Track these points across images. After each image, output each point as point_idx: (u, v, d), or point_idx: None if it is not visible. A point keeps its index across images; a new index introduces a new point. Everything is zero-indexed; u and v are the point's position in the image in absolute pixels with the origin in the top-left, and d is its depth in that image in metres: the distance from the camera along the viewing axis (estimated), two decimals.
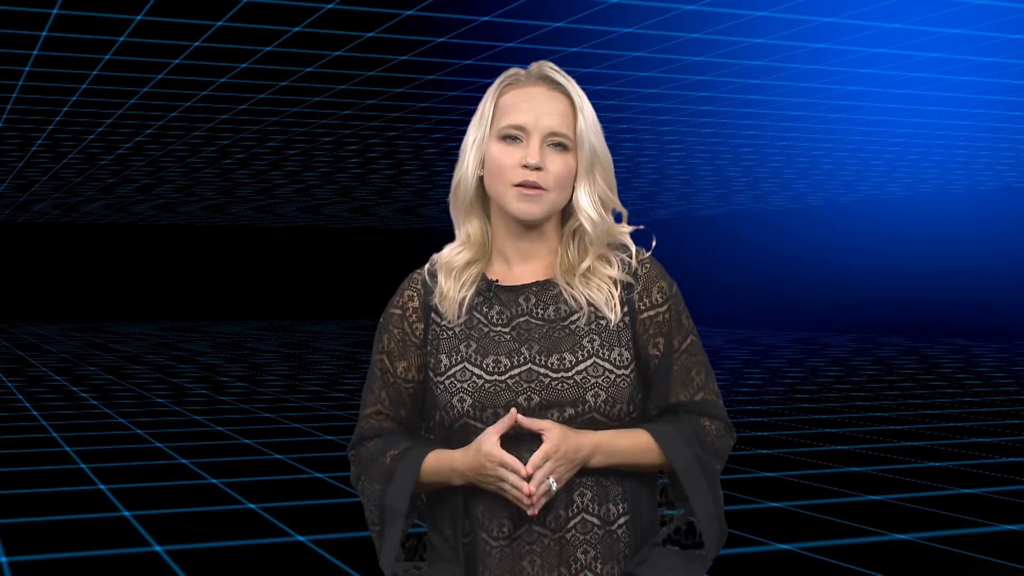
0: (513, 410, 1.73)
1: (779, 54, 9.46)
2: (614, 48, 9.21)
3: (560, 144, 1.81)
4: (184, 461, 7.97)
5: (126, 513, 6.27)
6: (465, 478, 1.78)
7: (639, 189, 21.80)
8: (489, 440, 1.73)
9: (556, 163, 1.80)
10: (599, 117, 1.87)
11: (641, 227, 1.92)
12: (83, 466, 7.74)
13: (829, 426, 9.75)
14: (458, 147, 2.00)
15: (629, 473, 1.83)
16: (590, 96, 1.88)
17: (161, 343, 21.89)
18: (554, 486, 1.72)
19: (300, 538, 5.71)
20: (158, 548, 5.50)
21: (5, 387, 13.10)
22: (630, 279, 1.86)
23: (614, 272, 1.85)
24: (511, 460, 1.71)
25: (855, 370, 15.35)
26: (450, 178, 1.94)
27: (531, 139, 1.79)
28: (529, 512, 1.72)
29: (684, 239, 29.15)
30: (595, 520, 1.81)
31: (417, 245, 34.01)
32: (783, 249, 26.44)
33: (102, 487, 7.00)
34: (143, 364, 16.61)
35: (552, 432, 1.73)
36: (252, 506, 6.48)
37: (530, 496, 1.70)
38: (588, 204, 1.82)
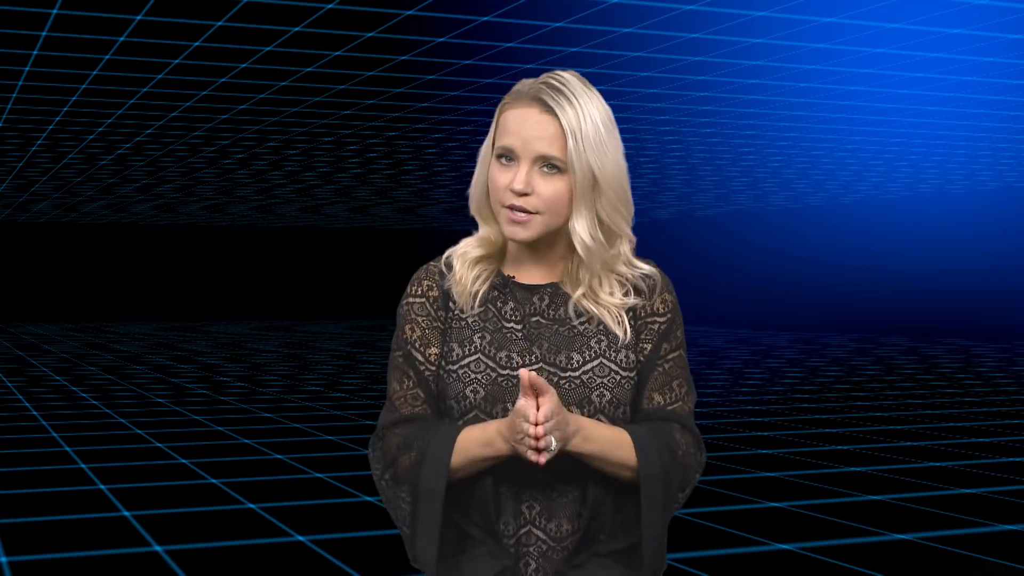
0: (523, 371, 1.68)
1: (779, 54, 9.46)
2: (614, 48, 9.21)
3: (552, 167, 1.79)
4: (184, 461, 7.97)
5: (126, 513, 6.27)
6: (503, 437, 1.74)
7: (639, 189, 21.80)
8: (521, 400, 1.70)
9: (547, 187, 1.78)
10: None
11: (649, 262, 1.90)
12: (83, 466, 7.74)
13: (829, 426, 9.75)
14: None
15: (593, 480, 1.83)
16: None
17: (161, 343, 21.89)
18: (554, 444, 1.68)
19: (300, 538, 5.71)
20: (158, 548, 5.50)
21: (5, 387, 13.10)
22: (636, 300, 1.87)
23: (622, 300, 1.86)
24: (528, 408, 1.68)
25: (855, 370, 15.35)
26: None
27: (521, 163, 1.79)
28: (534, 458, 1.68)
29: (684, 239, 29.15)
30: (549, 534, 1.83)
31: (417, 245, 34.00)
32: (783, 249, 26.44)
33: (102, 487, 7.00)
34: (143, 364, 16.61)
35: (554, 396, 1.71)
36: (252, 506, 6.48)
37: (536, 438, 1.66)
38: (583, 229, 1.80)
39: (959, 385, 13.31)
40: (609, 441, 1.78)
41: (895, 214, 23.53)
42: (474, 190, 1.90)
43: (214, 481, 7.23)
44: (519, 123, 1.79)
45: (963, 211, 22.16)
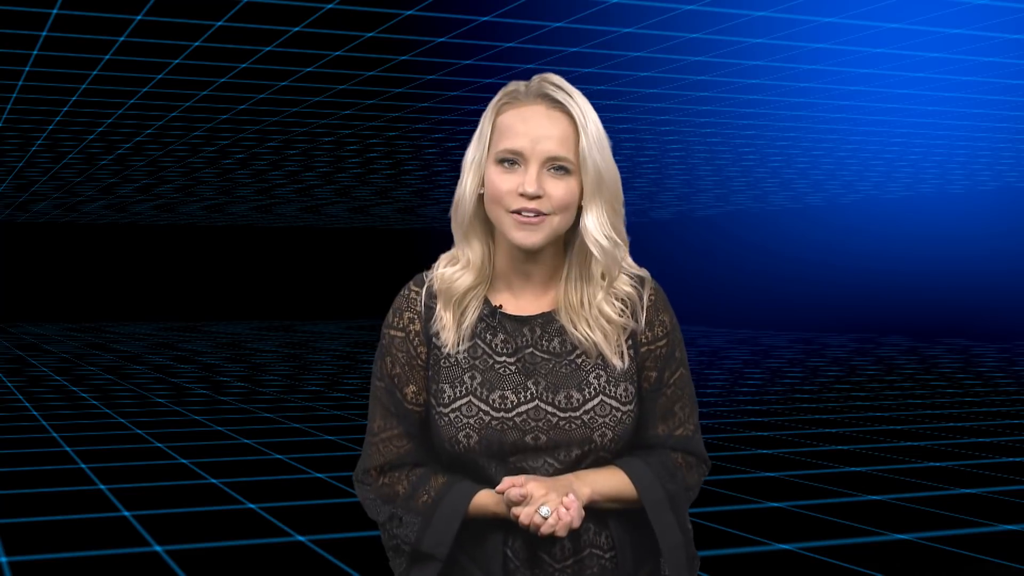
0: (505, 481, 1.69)
1: (779, 54, 9.46)
2: (614, 48, 9.21)
3: (561, 168, 1.71)
4: (184, 461, 7.97)
5: (126, 513, 6.27)
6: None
7: (639, 189, 21.80)
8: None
9: (557, 188, 1.71)
10: (599, 118, 1.78)
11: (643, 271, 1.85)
12: (83, 466, 7.74)
13: (829, 426, 9.75)
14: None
15: (613, 516, 1.81)
16: (590, 97, 1.80)
17: (161, 343, 21.89)
18: (544, 511, 1.65)
19: (300, 538, 5.71)
20: (158, 548, 5.50)
21: (5, 387, 13.10)
22: (634, 324, 1.79)
23: (620, 319, 1.78)
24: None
25: (855, 370, 15.35)
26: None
27: (529, 165, 1.70)
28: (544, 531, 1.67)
29: (684, 239, 29.15)
30: (599, 553, 1.80)
31: (417, 245, 34.00)
32: (783, 249, 26.43)
33: (102, 487, 7.00)
34: (143, 364, 16.61)
35: (535, 479, 1.71)
36: (252, 506, 6.48)
37: (514, 487, 1.67)
38: (595, 228, 1.73)
39: (959, 385, 13.31)
40: (612, 482, 1.77)
41: (895, 214, 23.53)
42: (461, 204, 1.77)
43: (214, 481, 7.23)
44: (525, 122, 1.71)
45: (963, 211, 22.15)
